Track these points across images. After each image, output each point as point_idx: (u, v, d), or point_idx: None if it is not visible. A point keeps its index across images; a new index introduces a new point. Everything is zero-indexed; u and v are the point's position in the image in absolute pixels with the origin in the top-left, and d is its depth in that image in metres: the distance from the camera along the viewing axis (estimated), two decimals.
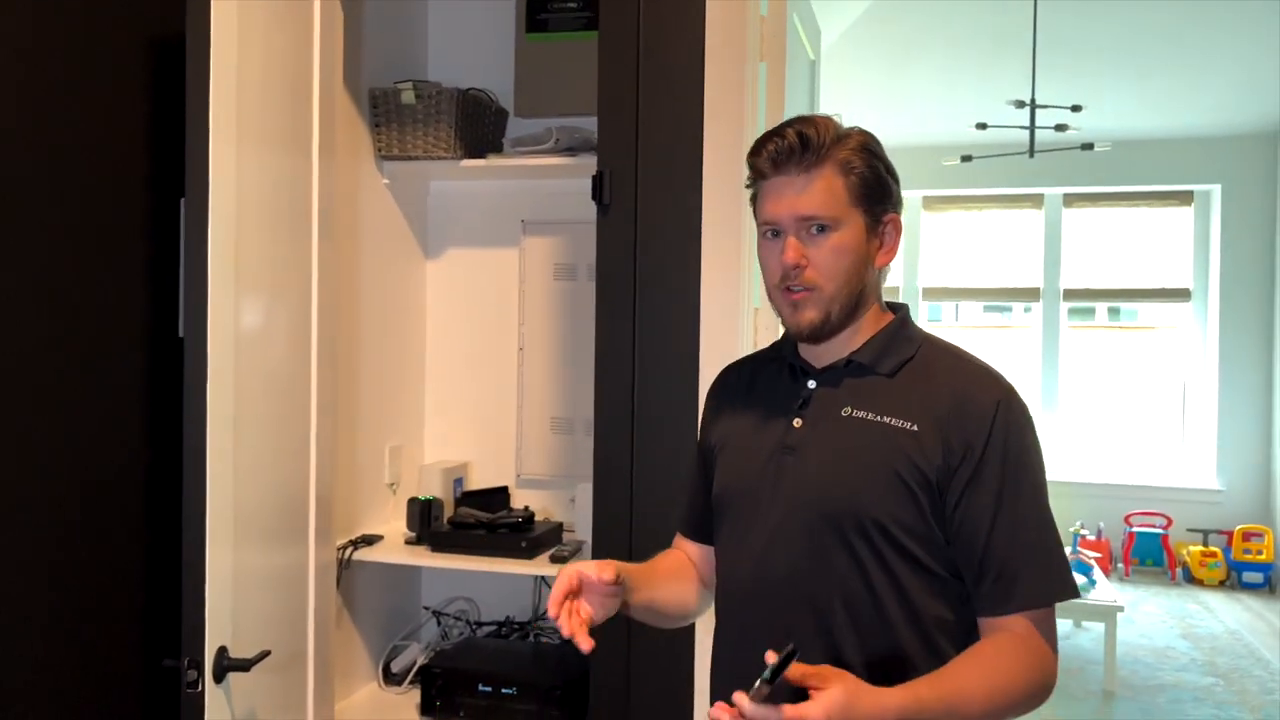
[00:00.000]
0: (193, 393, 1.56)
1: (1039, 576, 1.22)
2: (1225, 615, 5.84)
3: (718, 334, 1.98)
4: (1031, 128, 5.32)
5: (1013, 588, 1.21)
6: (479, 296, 2.74)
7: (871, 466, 1.24)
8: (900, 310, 1.37)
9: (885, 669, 1.20)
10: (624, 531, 2.03)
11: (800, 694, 1.05)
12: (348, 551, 2.35)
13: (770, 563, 1.29)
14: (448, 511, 2.49)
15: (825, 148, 1.25)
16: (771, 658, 1.04)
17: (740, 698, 1.03)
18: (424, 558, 2.35)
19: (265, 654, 1.66)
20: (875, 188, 1.28)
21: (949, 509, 1.23)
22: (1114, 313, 7.50)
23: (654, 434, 2.02)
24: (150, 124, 1.93)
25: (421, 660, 2.51)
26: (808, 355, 1.35)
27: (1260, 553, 6.43)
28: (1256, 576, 6.41)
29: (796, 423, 1.32)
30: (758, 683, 1.04)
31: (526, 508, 2.47)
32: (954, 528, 1.23)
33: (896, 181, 1.31)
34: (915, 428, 1.24)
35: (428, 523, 2.40)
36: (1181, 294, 7.10)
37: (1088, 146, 5.67)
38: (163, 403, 1.93)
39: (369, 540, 2.41)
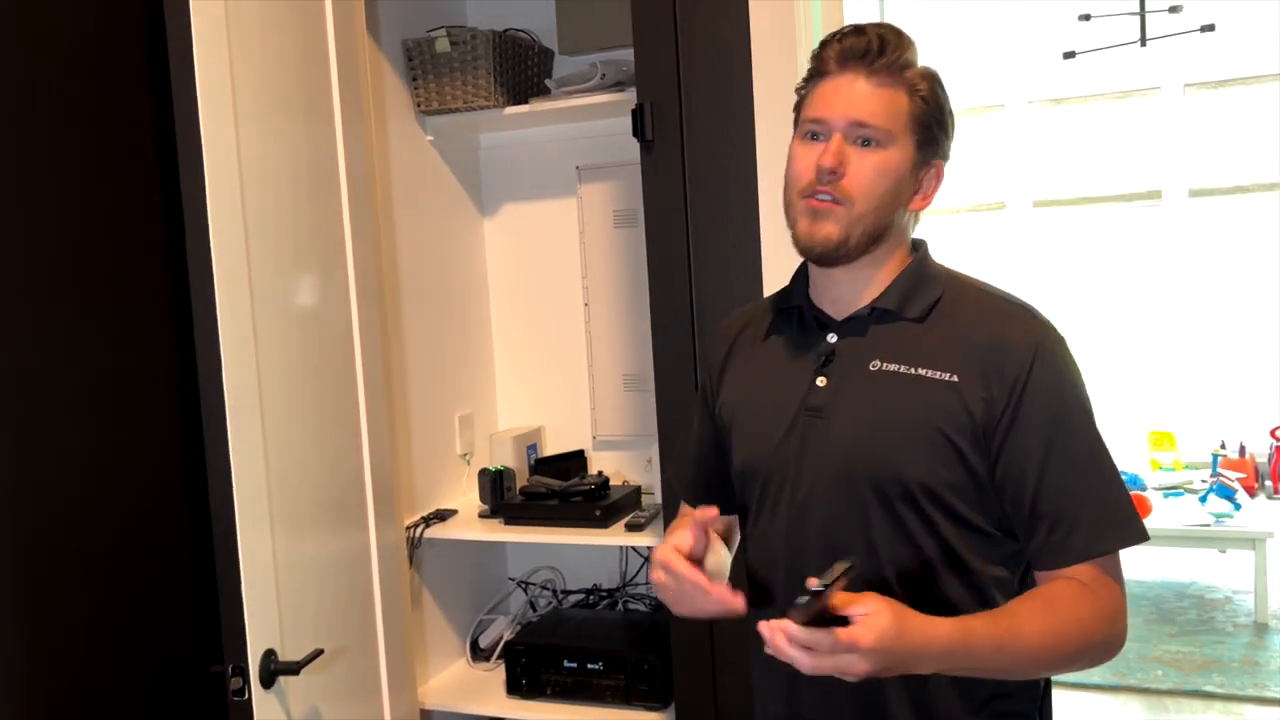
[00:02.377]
0: (208, 381, 1.47)
1: (1098, 523, 1.12)
2: None
3: (784, 277, 1.78)
4: (1142, 12, 4.86)
5: (1070, 538, 1.12)
6: (539, 252, 2.60)
7: (910, 425, 1.14)
8: (920, 247, 1.25)
9: None
10: None
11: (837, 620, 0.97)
12: (419, 530, 2.27)
13: (806, 540, 1.19)
14: (521, 481, 2.39)
15: (902, 61, 1.16)
16: (813, 582, 0.95)
17: (788, 623, 0.95)
18: (497, 531, 2.25)
19: (317, 653, 1.57)
20: (936, 122, 1.19)
21: (994, 461, 1.14)
22: (1240, 206, 6.91)
23: None
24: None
25: (508, 635, 2.42)
26: (824, 303, 1.24)
27: None
28: None
29: (820, 381, 1.20)
30: (804, 598, 0.93)
31: (600, 473, 2.34)
32: (999, 478, 1.14)
33: (951, 131, 1.22)
34: (955, 378, 1.14)
35: (500, 494, 2.30)
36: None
37: (1207, 28, 5.16)
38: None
39: (442, 516, 2.32)
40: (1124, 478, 1.21)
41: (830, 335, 1.22)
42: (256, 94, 1.58)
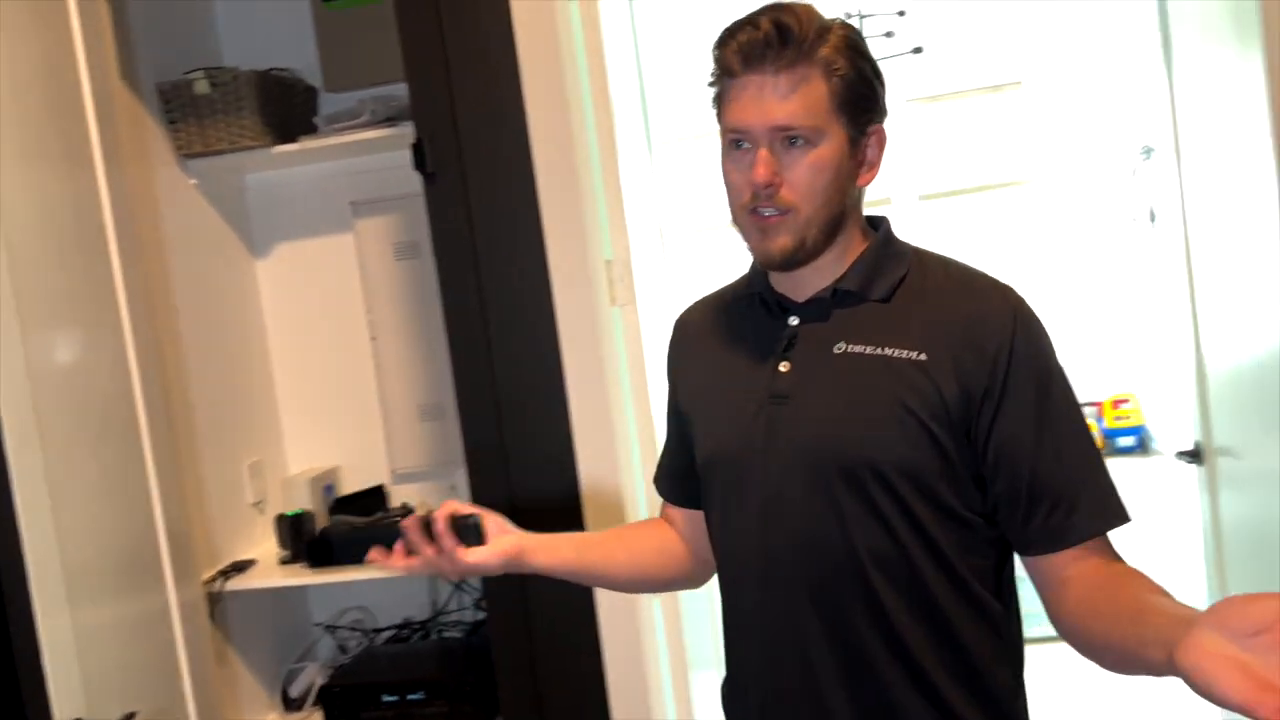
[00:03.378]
0: None
1: (1097, 502, 1.09)
2: None
3: (572, 293, 1.88)
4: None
5: (1070, 518, 1.07)
6: (318, 290, 2.56)
7: (879, 406, 1.09)
8: (881, 225, 1.20)
9: (925, 625, 1.12)
10: (504, 513, 1.93)
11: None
12: (218, 583, 2.19)
13: (778, 531, 1.14)
14: (321, 522, 2.35)
15: (808, 43, 1.06)
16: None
17: None
18: (303, 576, 2.21)
19: (129, 717, 1.51)
20: (861, 94, 1.10)
21: (980, 443, 1.09)
22: (965, 207, 7.68)
23: (522, 407, 1.92)
24: None
25: (320, 680, 2.37)
26: (784, 287, 1.18)
27: (1129, 417, 6.74)
28: (1129, 440, 6.73)
29: (783, 366, 1.15)
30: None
31: (404, 504, 2.35)
32: (990, 463, 1.09)
33: (883, 85, 1.13)
34: (923, 357, 1.09)
35: (300, 538, 2.26)
36: (1026, 182, 7.31)
37: (917, 50, 5.73)
38: None
39: (240, 567, 2.25)
40: None
41: (792, 319, 1.17)
42: (11, 144, 1.51)
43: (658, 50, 3.00)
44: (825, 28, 1.09)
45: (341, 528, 2.24)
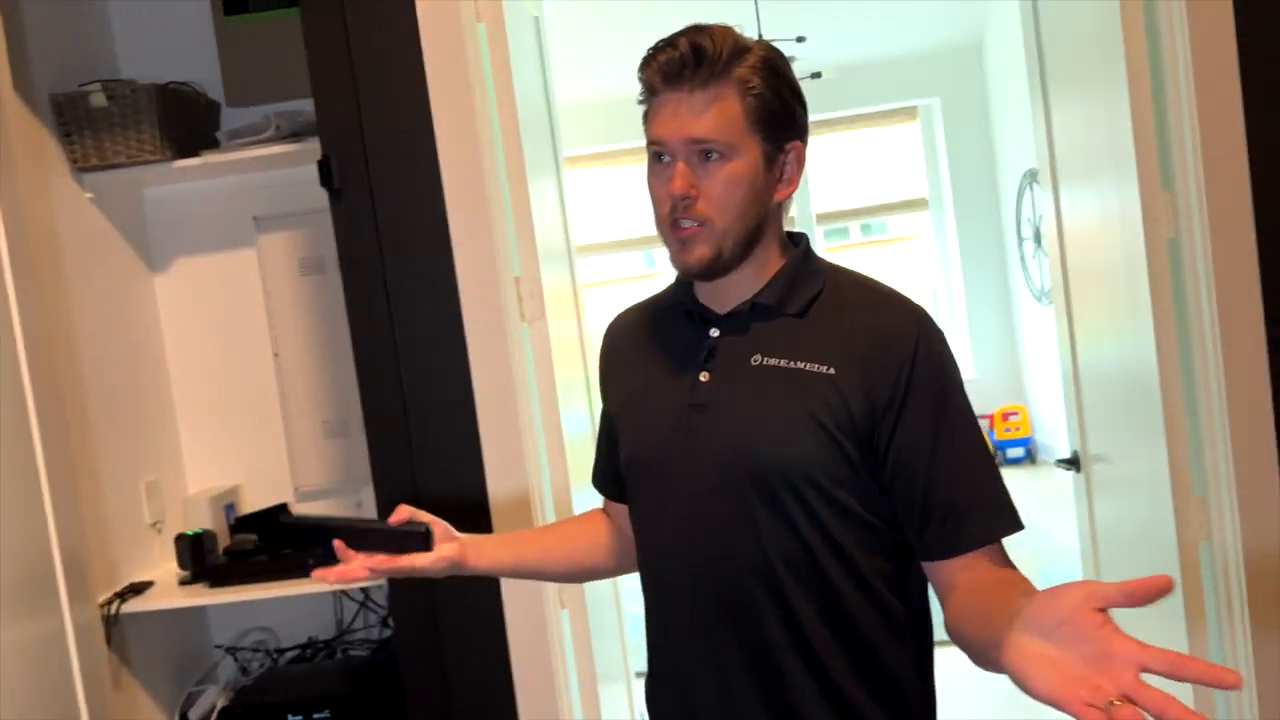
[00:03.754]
0: None
1: (986, 512, 1.14)
2: None
3: (480, 308, 1.90)
4: None
5: (961, 528, 1.13)
6: (219, 306, 2.53)
7: (790, 418, 1.14)
8: (801, 242, 1.25)
9: (832, 626, 1.16)
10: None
11: None
12: (114, 606, 2.14)
13: (696, 535, 1.19)
14: (223, 542, 2.31)
15: (722, 63, 1.12)
16: None
17: None
18: (204, 596, 2.17)
19: None
20: (777, 112, 1.15)
21: (880, 452, 1.14)
22: (866, 229, 7.92)
23: (430, 423, 1.93)
24: None
25: (221, 703, 2.33)
26: (707, 300, 1.24)
27: (1018, 429, 7.03)
28: (1018, 451, 7.02)
29: (704, 376, 1.20)
30: None
31: None
32: (889, 471, 1.15)
33: (802, 105, 1.19)
34: (832, 370, 1.14)
35: (201, 558, 2.22)
36: (921, 204, 7.58)
37: (816, 75, 5.90)
38: None
39: (137, 589, 2.20)
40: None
41: (713, 330, 1.22)
42: None
43: (567, 69, 3.04)
44: (743, 48, 1.14)
45: (244, 546, 2.21)
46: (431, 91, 1.88)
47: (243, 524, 2.36)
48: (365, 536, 1.26)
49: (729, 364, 1.20)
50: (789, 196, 1.21)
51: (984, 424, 7.15)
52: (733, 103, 1.12)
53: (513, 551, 1.38)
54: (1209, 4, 1.78)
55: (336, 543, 1.25)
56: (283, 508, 2.46)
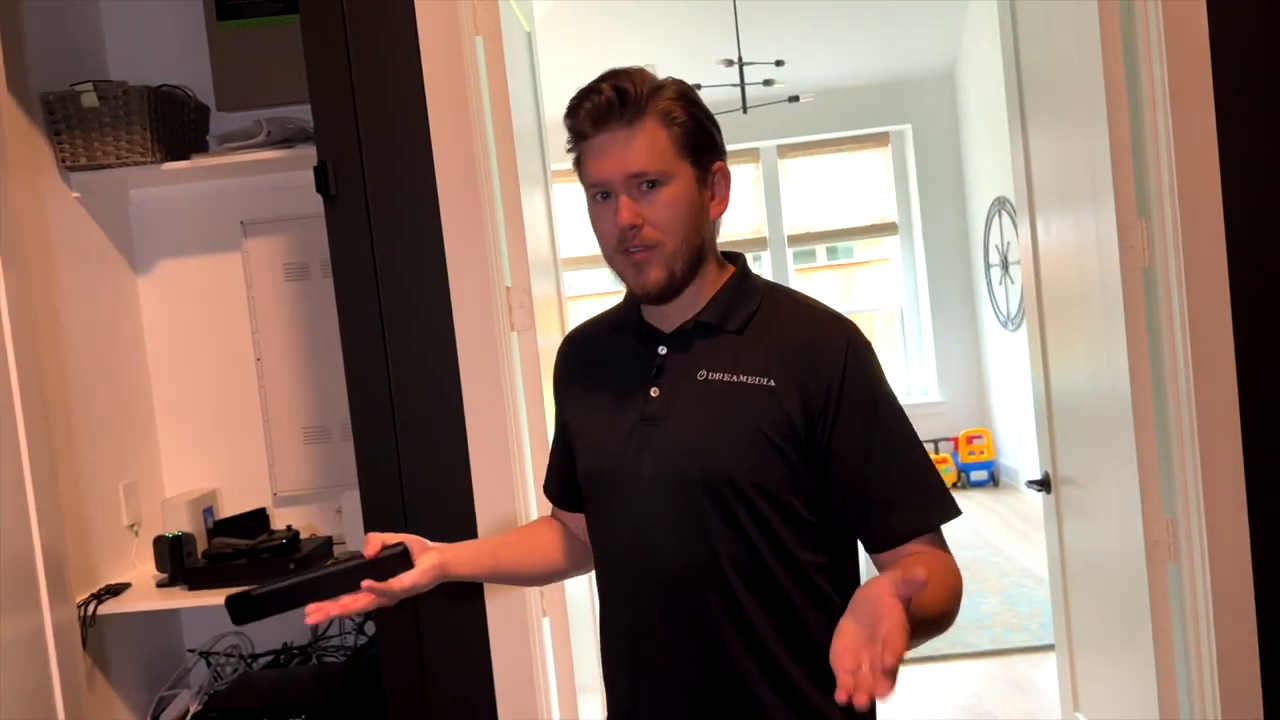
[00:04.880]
0: None
1: (921, 503, 1.23)
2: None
3: (472, 316, 1.92)
4: (741, 84, 5.55)
5: (896, 519, 1.22)
6: (203, 309, 2.53)
7: (735, 429, 1.22)
8: (739, 261, 1.34)
9: (779, 622, 1.24)
10: (398, 530, 1.94)
11: None
12: (91, 607, 2.12)
13: (649, 542, 1.26)
14: (201, 545, 2.30)
15: (644, 99, 1.21)
16: None
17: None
18: (182, 599, 2.16)
19: None
20: (700, 136, 1.25)
21: (820, 454, 1.23)
22: (832, 252, 8.01)
23: (418, 429, 1.94)
24: None
25: (194, 707, 2.31)
26: (654, 319, 1.31)
27: (982, 452, 7.13)
28: (982, 474, 7.11)
29: (654, 392, 1.28)
30: None
31: (289, 527, 2.33)
32: (829, 472, 1.23)
33: (717, 129, 1.29)
34: (772, 383, 1.23)
35: (180, 561, 2.21)
36: (890, 228, 7.69)
37: (794, 99, 5.99)
38: None
39: (114, 591, 2.19)
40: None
41: (660, 348, 1.30)
42: None
43: (558, 84, 3.07)
44: (659, 86, 1.25)
45: (224, 549, 2.21)
46: (429, 100, 1.90)
47: (222, 527, 2.35)
48: (345, 578, 1.23)
49: (676, 379, 1.28)
50: (721, 214, 1.30)
51: (948, 446, 7.25)
52: (659, 133, 1.22)
53: (490, 554, 1.41)
54: (1187, 35, 1.85)
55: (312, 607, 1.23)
56: (260, 513, 2.46)
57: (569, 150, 1.28)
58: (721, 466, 1.22)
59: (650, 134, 1.21)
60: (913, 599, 0.98)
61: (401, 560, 1.26)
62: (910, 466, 1.25)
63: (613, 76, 1.23)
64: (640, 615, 1.29)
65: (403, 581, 1.25)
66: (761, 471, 1.22)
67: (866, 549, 1.27)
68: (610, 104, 1.20)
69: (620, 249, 1.23)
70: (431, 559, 1.28)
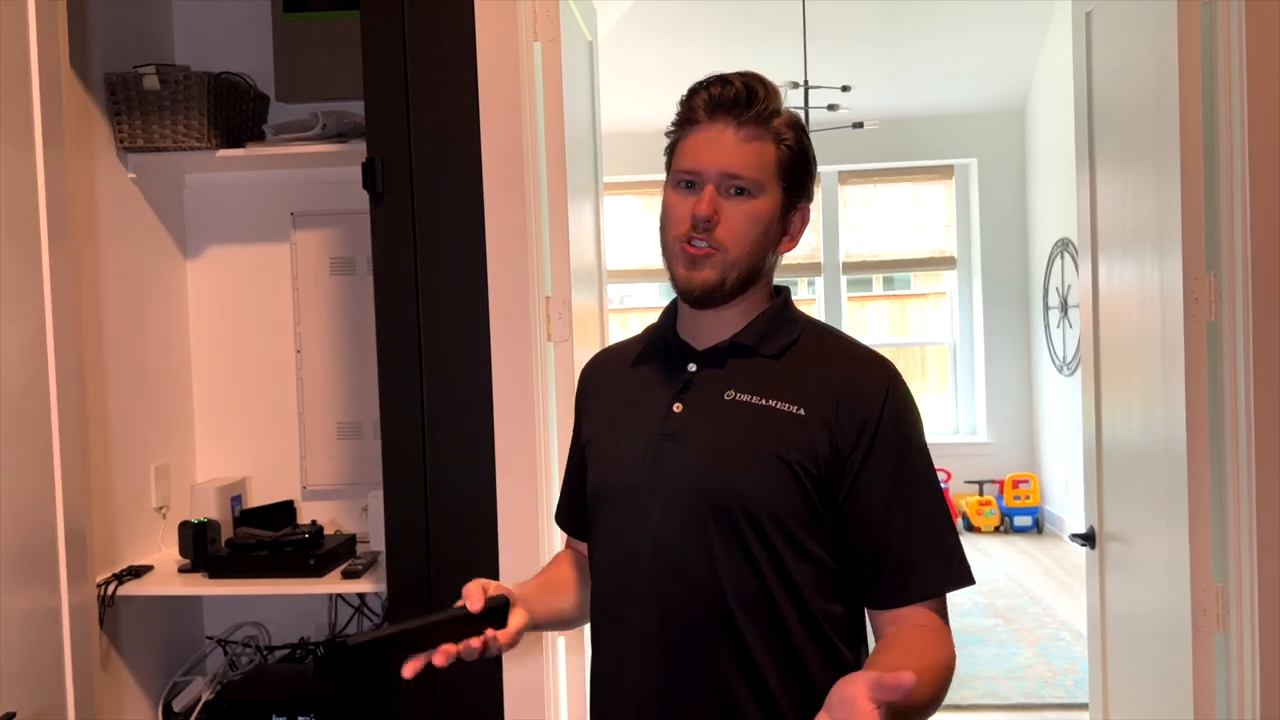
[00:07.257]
0: None
1: (936, 566, 1.18)
2: (1001, 559, 6.28)
3: (509, 324, 1.89)
4: (806, 107, 5.49)
5: (910, 579, 1.16)
6: (248, 297, 2.54)
7: (757, 452, 1.17)
8: (782, 292, 1.31)
9: (784, 668, 1.17)
10: (419, 540, 1.92)
11: None
12: (111, 587, 2.12)
13: (653, 561, 1.20)
14: (226, 533, 2.30)
15: (768, 111, 1.19)
16: None
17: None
18: (201, 586, 2.15)
19: (9, 717, 1.45)
20: (800, 168, 1.23)
21: (839, 498, 1.17)
22: (888, 282, 7.91)
23: (447, 433, 1.92)
24: None
25: (207, 695, 2.31)
26: (688, 335, 1.28)
27: (1028, 497, 6.96)
28: (1026, 520, 6.94)
29: (677, 407, 1.23)
30: None
31: (314, 522, 2.32)
32: (845, 518, 1.17)
33: (815, 170, 1.27)
34: (802, 412, 1.18)
35: (203, 547, 2.20)
36: (948, 262, 7.57)
37: (858, 125, 5.92)
38: None
39: (136, 572, 2.19)
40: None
41: (690, 365, 1.25)
42: None
43: (618, 97, 3.05)
44: (781, 106, 1.23)
45: (247, 539, 2.20)
46: (482, 104, 1.88)
47: (248, 517, 2.35)
48: (447, 628, 1.13)
49: (703, 397, 1.23)
50: (788, 251, 1.27)
51: (993, 489, 7.10)
52: (769, 147, 1.20)
53: (546, 597, 1.30)
54: (1268, 85, 1.77)
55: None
56: (287, 505, 2.45)
57: (668, 132, 1.24)
58: (736, 489, 1.16)
59: (760, 143, 1.19)
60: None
61: (503, 613, 1.17)
62: (932, 525, 1.19)
63: (748, 74, 1.20)
64: (635, 643, 1.21)
65: (499, 639, 1.15)
66: (778, 501, 1.16)
67: (867, 603, 1.20)
68: (737, 98, 1.18)
69: (684, 238, 1.20)
70: (521, 618, 1.19)
